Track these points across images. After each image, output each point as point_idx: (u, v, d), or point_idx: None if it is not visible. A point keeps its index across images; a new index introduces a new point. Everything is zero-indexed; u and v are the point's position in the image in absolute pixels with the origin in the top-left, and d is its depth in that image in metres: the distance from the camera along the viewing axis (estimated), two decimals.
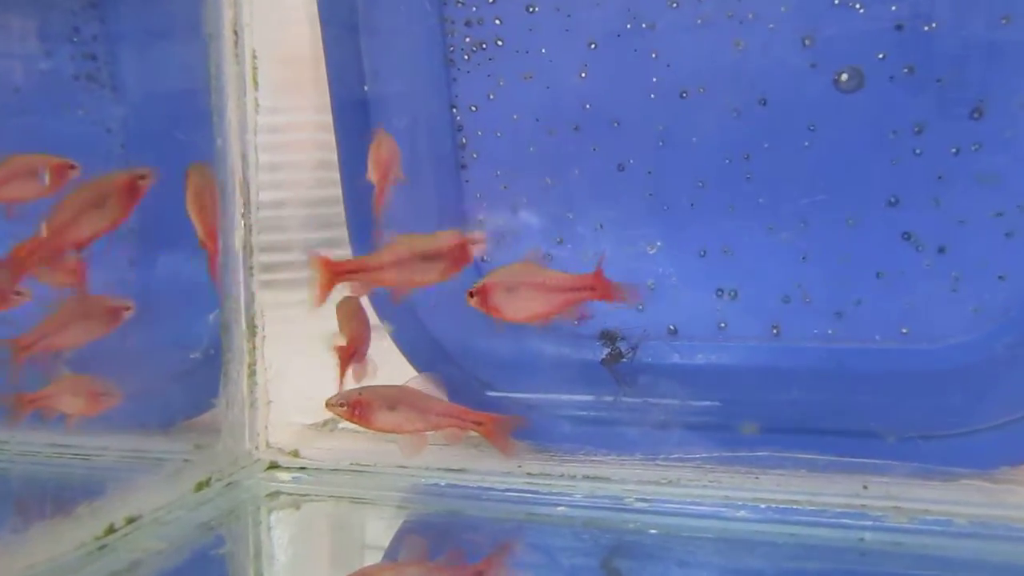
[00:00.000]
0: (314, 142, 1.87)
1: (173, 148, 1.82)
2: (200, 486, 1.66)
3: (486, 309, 1.57)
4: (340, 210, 1.87)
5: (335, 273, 1.60)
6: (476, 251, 1.62)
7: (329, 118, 1.86)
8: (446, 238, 1.60)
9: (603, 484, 1.65)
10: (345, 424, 1.98)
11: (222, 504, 1.67)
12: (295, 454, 1.79)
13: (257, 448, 1.80)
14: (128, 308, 1.66)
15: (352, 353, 1.69)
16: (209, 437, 1.76)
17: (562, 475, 1.68)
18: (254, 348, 1.79)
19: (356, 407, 1.63)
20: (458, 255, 1.60)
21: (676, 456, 1.69)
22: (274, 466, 1.78)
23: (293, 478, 1.76)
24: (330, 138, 1.82)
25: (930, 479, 1.58)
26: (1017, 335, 1.65)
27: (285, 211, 1.83)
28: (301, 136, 1.89)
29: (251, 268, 1.77)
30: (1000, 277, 1.66)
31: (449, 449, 1.73)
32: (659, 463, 1.68)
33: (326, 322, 1.74)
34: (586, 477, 1.67)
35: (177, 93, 1.80)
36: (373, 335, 1.79)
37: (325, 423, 2.01)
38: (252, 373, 1.78)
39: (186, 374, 1.82)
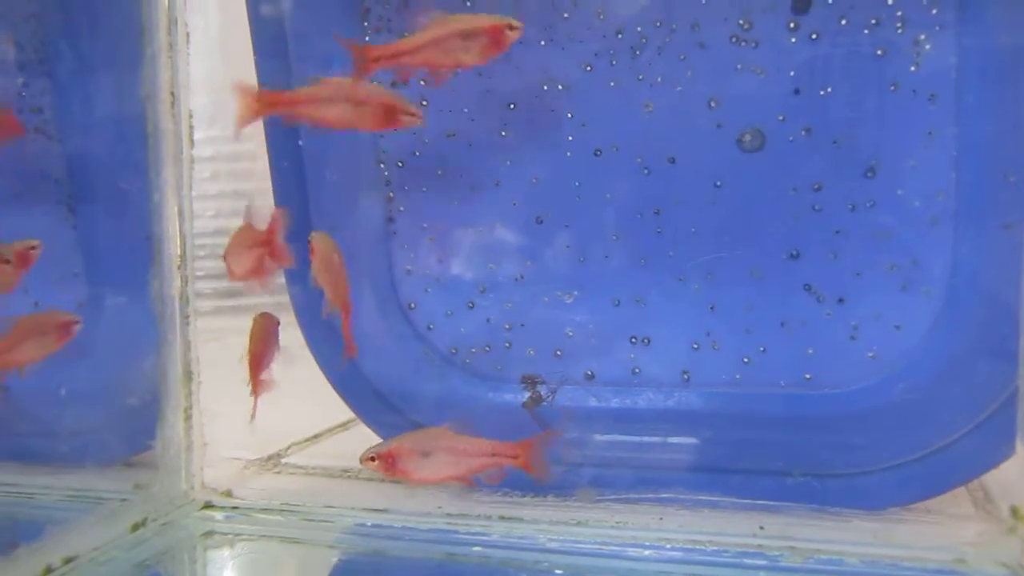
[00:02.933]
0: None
1: (116, 198, 1.92)
2: (136, 526, 1.74)
3: (391, 474, 1.62)
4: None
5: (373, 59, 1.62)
6: (514, 37, 1.58)
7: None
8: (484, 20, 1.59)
9: (517, 524, 1.73)
10: (287, 460, 2.09)
11: (158, 543, 1.74)
12: (228, 494, 1.87)
13: (193, 488, 1.88)
14: (76, 322, 1.75)
15: (260, 365, 1.78)
16: (148, 477, 1.84)
17: (479, 515, 1.75)
18: (190, 393, 1.87)
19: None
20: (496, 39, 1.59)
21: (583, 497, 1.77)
22: (208, 506, 1.86)
23: (227, 517, 1.84)
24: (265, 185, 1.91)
25: (824, 519, 1.67)
26: (912, 381, 1.74)
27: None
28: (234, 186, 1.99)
29: (187, 317, 1.86)
30: (896, 327, 1.75)
31: (373, 489, 1.82)
32: (570, 504, 1.76)
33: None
34: (501, 518, 1.74)
35: (118, 149, 1.89)
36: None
37: (269, 458, 2.10)
38: (188, 417, 1.87)
39: (125, 416, 1.90)
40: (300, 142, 1.93)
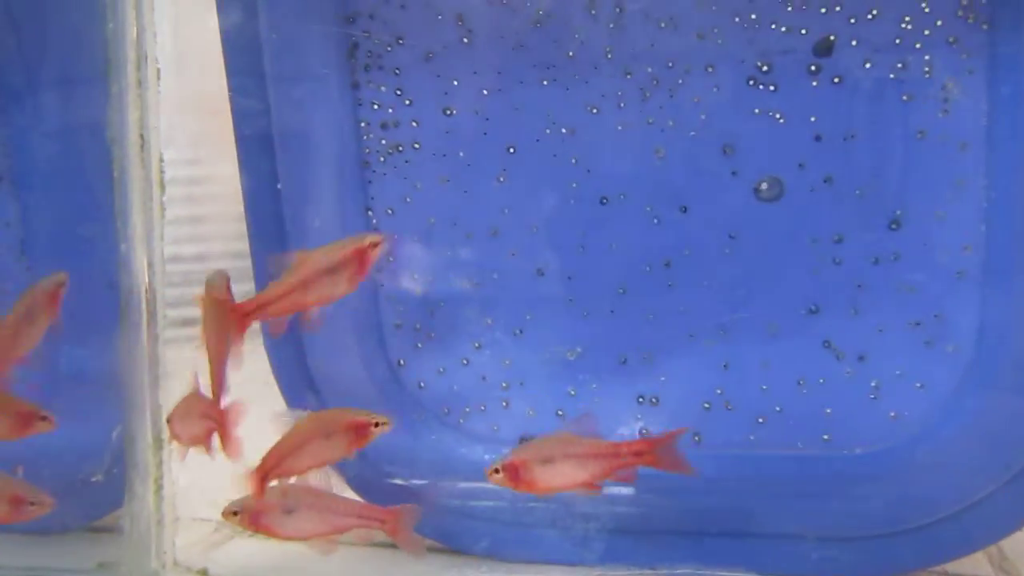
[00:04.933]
0: (225, 248, 1.81)
1: (75, 247, 1.76)
2: None
3: (515, 485, 1.48)
4: None
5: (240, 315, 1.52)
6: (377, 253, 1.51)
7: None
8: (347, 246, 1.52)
9: None
10: None
11: None
12: (203, 573, 1.71)
13: (164, 567, 1.71)
14: (45, 419, 1.58)
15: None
16: (114, 553, 1.68)
17: None
18: (160, 463, 1.71)
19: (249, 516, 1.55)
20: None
21: (598, 572, 1.65)
22: None
23: None
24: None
25: None
26: (935, 442, 1.67)
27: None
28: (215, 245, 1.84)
29: (156, 378, 1.70)
30: (919, 385, 1.67)
31: (364, 558, 1.69)
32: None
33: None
34: None
35: (80, 194, 1.73)
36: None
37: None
38: (158, 488, 1.71)
39: (86, 484, 1.73)
40: (279, 185, 1.78)
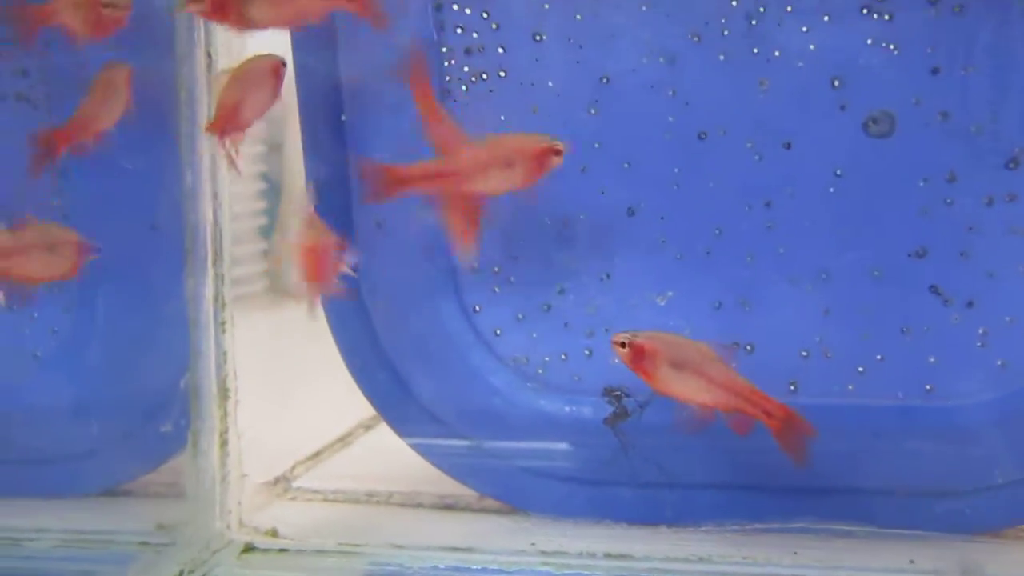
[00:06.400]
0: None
1: (124, 180, 1.60)
2: None
3: (634, 367, 1.43)
4: None
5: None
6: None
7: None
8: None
9: (627, 562, 1.51)
10: (300, 484, 1.80)
11: None
12: (273, 533, 1.58)
13: (229, 528, 1.58)
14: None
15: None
16: (174, 514, 1.54)
17: (580, 553, 1.53)
18: (225, 415, 1.57)
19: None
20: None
21: (705, 528, 1.56)
22: (249, 549, 1.56)
23: (271, 562, 1.55)
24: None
25: (975, 543, 1.53)
26: None
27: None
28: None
29: (223, 324, 1.56)
30: None
31: (451, 521, 1.57)
32: (686, 536, 1.55)
33: (304, 380, 1.55)
34: (607, 555, 1.52)
35: (134, 119, 1.56)
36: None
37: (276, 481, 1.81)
38: (224, 443, 1.57)
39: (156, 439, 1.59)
40: (343, 117, 1.65)
